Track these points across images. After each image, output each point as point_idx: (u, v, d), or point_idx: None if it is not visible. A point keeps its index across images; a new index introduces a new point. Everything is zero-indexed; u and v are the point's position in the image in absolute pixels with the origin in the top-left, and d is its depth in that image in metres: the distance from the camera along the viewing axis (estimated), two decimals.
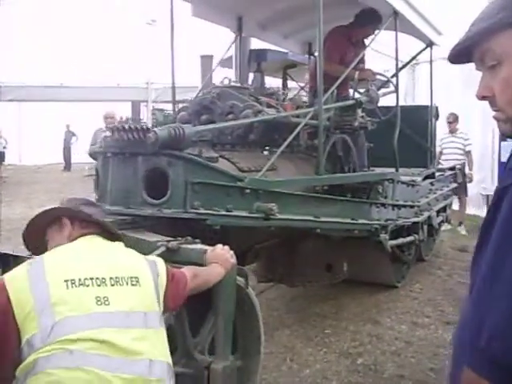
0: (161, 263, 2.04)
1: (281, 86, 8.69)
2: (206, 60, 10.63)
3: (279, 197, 3.52)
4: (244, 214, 3.27)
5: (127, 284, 1.82)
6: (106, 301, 1.74)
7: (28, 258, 2.59)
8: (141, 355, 1.70)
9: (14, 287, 1.70)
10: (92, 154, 3.40)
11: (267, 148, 4.32)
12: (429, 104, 6.30)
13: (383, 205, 4.67)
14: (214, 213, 3.09)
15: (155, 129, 2.87)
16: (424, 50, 5.87)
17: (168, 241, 2.65)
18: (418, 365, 3.82)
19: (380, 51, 7.63)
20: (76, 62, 19.70)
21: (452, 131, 8.53)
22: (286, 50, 6.86)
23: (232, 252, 2.55)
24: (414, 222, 5.43)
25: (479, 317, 0.92)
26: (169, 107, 21.07)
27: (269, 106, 3.93)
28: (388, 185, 4.80)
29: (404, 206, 5.15)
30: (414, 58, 6.32)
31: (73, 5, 19.25)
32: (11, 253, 2.83)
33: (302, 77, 8.99)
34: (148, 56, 17.50)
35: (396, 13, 4.64)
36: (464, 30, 1.13)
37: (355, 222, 4.20)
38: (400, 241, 5.14)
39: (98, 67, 19.80)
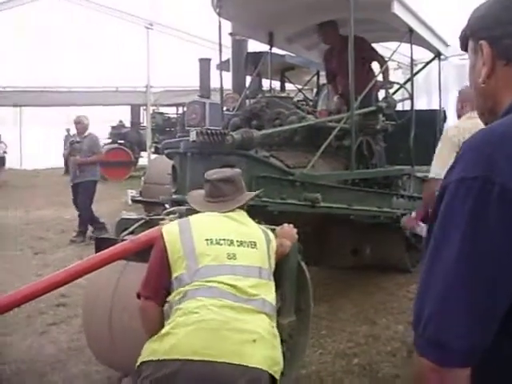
0: (271, 233, 2.70)
1: (279, 88, 9.14)
2: (204, 63, 11.11)
3: (322, 188, 4.19)
4: (295, 202, 3.94)
5: (248, 246, 2.46)
6: (233, 256, 2.37)
7: (120, 239, 3.25)
8: (257, 296, 2.33)
9: (169, 238, 2.41)
10: (168, 154, 4.02)
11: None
12: (437, 108, 6.87)
13: (402, 196, 5.34)
14: (274, 201, 3.76)
15: (232, 133, 3.50)
16: (433, 59, 6.45)
17: None
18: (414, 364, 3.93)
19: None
20: (75, 66, 19.99)
21: None
22: (284, 53, 7.20)
23: (296, 229, 3.14)
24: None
25: (419, 306, 0.99)
26: (168, 110, 21.03)
27: (308, 112, 4.59)
28: (405, 179, 5.48)
29: (419, 198, 5.76)
30: (424, 66, 6.87)
31: (71, 9, 19.53)
32: (108, 236, 3.53)
33: (299, 79, 9.43)
34: (146, 60, 17.83)
35: (411, 30, 5.32)
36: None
37: (381, 209, 4.87)
38: None
39: (96, 71, 20.10)
